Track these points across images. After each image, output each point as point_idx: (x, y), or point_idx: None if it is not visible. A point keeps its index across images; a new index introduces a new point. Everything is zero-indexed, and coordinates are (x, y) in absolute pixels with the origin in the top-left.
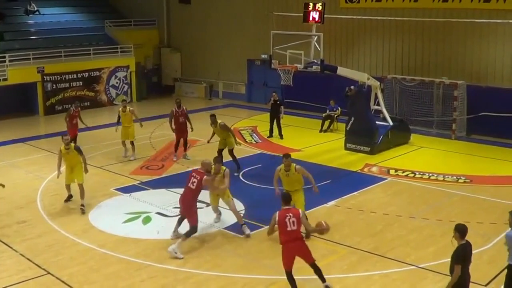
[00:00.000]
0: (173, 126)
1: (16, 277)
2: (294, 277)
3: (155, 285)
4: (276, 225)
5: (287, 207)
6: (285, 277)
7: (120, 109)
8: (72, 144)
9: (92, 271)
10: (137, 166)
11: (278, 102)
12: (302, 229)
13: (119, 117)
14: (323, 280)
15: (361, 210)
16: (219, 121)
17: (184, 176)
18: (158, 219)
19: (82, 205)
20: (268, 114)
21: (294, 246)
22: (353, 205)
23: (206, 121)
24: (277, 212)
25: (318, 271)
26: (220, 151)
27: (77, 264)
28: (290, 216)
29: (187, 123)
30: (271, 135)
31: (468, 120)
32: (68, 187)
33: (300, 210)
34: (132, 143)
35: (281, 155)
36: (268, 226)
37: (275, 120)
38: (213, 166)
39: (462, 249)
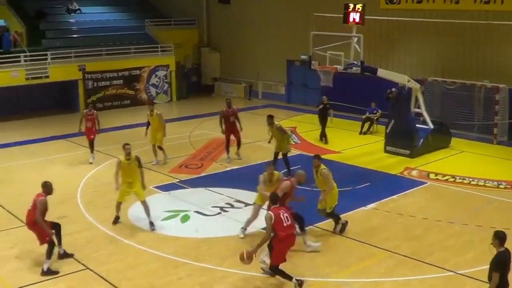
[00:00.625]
0: (223, 126)
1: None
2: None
3: (192, 283)
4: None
5: (275, 206)
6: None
7: (148, 113)
8: (134, 155)
9: (130, 268)
10: (176, 165)
11: (327, 106)
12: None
13: (148, 122)
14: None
15: (400, 214)
16: (275, 122)
17: (222, 176)
18: (197, 218)
19: (151, 222)
20: (317, 117)
21: (292, 240)
22: (392, 208)
23: (245, 121)
24: (270, 212)
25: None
26: (276, 154)
27: (116, 260)
28: (283, 212)
29: (237, 122)
30: (321, 139)
31: (510, 125)
32: (119, 206)
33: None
34: (159, 147)
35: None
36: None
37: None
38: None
39: (501, 256)
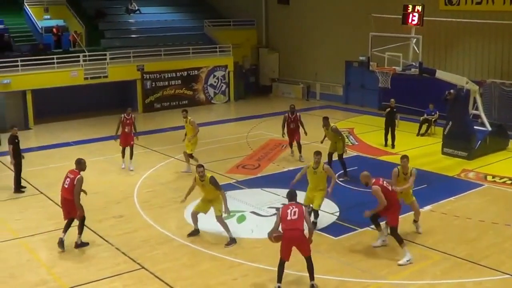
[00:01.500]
0: (284, 131)
1: (111, 270)
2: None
3: (247, 284)
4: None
5: (291, 202)
6: (377, 280)
7: (184, 119)
8: (209, 175)
9: (185, 267)
10: (233, 165)
11: (394, 110)
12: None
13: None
14: (312, 278)
15: (456, 216)
16: (331, 124)
17: (279, 176)
18: (253, 218)
19: (231, 239)
20: (384, 121)
21: (292, 235)
22: (448, 210)
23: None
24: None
25: (310, 267)
26: (330, 155)
27: (171, 260)
28: (292, 208)
29: (300, 127)
30: (386, 144)
31: None
32: (195, 216)
33: (303, 207)
34: (190, 155)
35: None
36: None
37: (390, 129)
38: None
39: None
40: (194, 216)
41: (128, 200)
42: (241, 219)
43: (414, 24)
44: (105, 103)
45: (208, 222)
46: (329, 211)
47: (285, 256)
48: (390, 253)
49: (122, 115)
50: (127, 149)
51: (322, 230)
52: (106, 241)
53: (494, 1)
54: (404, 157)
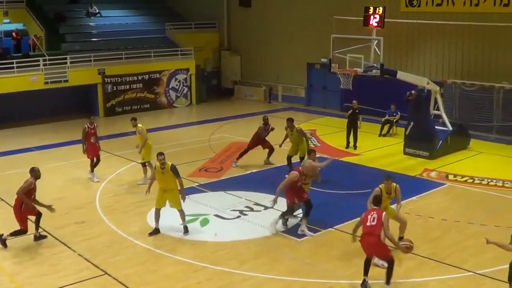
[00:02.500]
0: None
1: (74, 276)
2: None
3: (211, 287)
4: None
5: (375, 207)
6: (341, 281)
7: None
8: (169, 163)
9: (149, 272)
10: (195, 168)
11: (357, 111)
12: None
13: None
14: (388, 282)
15: (418, 215)
16: (296, 125)
17: (242, 179)
18: (216, 222)
19: (185, 226)
20: (346, 123)
21: (368, 240)
22: (411, 210)
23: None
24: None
25: (389, 270)
26: (289, 158)
27: (134, 265)
28: (373, 213)
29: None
30: (347, 146)
31: None
32: (157, 213)
33: (383, 213)
34: (143, 164)
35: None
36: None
37: (352, 130)
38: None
39: None
40: (157, 213)
41: (90, 206)
42: (204, 222)
43: (375, 26)
44: (66, 108)
45: (171, 226)
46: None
47: (367, 255)
48: (356, 253)
49: (86, 126)
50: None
51: (285, 232)
52: (69, 247)
53: (454, 2)
54: (389, 178)
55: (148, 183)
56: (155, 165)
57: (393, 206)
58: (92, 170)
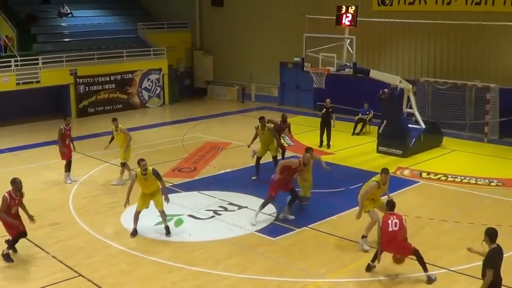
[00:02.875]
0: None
1: (48, 279)
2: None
3: None
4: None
5: (390, 212)
6: (316, 279)
7: (113, 128)
8: (150, 168)
9: (123, 274)
10: (169, 169)
11: (330, 110)
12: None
13: (112, 138)
14: (425, 269)
15: None
16: (268, 124)
17: (215, 179)
18: (190, 222)
19: (167, 227)
20: (319, 122)
21: (393, 245)
22: None
23: (239, 124)
24: (381, 217)
25: (420, 260)
26: (259, 158)
27: (109, 266)
28: (393, 218)
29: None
30: (321, 145)
31: (501, 123)
32: (138, 215)
33: (402, 216)
34: (122, 164)
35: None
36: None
37: (325, 129)
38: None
39: (494, 253)
40: (137, 215)
41: (63, 207)
42: (179, 222)
43: (348, 25)
44: (38, 109)
45: (145, 227)
46: (266, 212)
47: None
48: (329, 252)
49: (62, 127)
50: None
51: (260, 231)
52: (42, 249)
53: (426, 1)
54: (387, 172)
55: (121, 183)
56: (136, 172)
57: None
58: (66, 171)
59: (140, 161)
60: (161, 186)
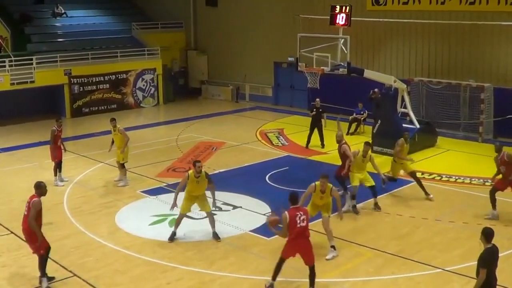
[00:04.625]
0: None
1: None
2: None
3: None
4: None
5: (295, 206)
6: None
7: (111, 128)
8: (204, 172)
9: (118, 273)
10: (163, 169)
11: (320, 110)
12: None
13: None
14: (312, 286)
15: (387, 213)
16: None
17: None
18: (185, 222)
19: (215, 233)
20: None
21: (300, 243)
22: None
23: (233, 124)
24: (286, 212)
25: (312, 276)
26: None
27: (103, 266)
28: (301, 214)
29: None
30: (307, 146)
31: (495, 123)
32: (181, 219)
33: (307, 210)
34: (122, 165)
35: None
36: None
37: (316, 129)
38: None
39: (488, 253)
40: (181, 219)
41: (57, 207)
42: (173, 222)
43: (342, 25)
44: (32, 109)
45: (139, 227)
46: (261, 212)
47: (286, 256)
48: (323, 252)
49: (55, 128)
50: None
51: (254, 231)
52: None
53: (420, 1)
54: (324, 177)
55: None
56: (188, 173)
57: (334, 215)
58: (56, 174)
59: (196, 163)
60: (211, 189)
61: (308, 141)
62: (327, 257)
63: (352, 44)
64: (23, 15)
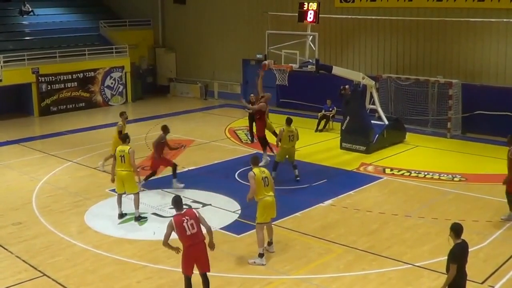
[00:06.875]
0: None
1: (12, 279)
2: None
3: (151, 286)
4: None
5: (180, 212)
6: (280, 276)
7: (121, 122)
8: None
9: (88, 272)
10: None
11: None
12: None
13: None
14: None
15: (356, 209)
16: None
17: (179, 177)
18: (154, 220)
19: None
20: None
21: (195, 250)
22: (349, 204)
23: (202, 121)
24: (172, 219)
25: (206, 285)
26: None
27: (73, 266)
28: (187, 219)
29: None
30: (252, 141)
31: (463, 119)
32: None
33: (195, 212)
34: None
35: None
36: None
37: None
38: None
39: (458, 248)
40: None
41: (26, 206)
42: (143, 221)
43: (310, 22)
44: (0, 108)
45: (108, 226)
46: (230, 210)
47: (189, 272)
48: (293, 249)
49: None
50: None
51: (224, 228)
52: (6, 249)
53: None
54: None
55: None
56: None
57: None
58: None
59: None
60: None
61: (252, 135)
62: (250, 261)
63: (320, 41)
64: None
